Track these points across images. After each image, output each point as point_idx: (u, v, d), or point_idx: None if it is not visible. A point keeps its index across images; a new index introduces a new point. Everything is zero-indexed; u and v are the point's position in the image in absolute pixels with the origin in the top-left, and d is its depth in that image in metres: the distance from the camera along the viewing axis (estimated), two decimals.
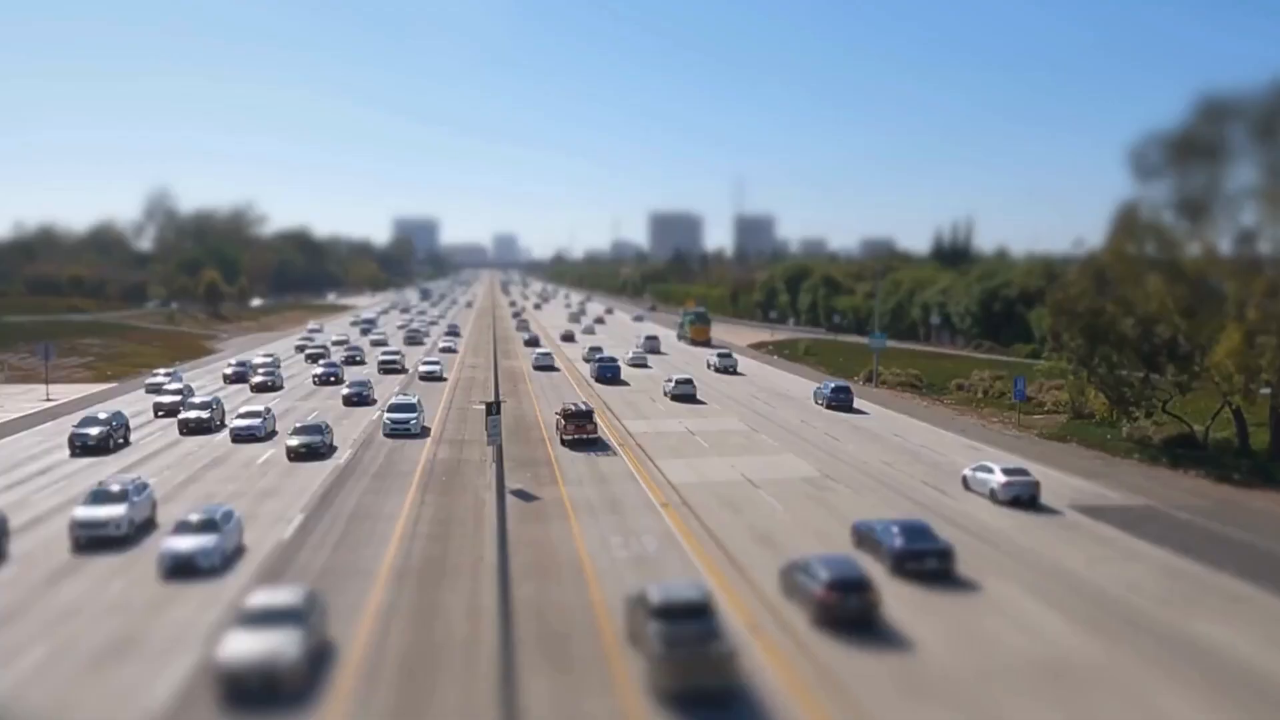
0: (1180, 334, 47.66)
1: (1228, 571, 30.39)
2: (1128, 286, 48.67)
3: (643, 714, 20.56)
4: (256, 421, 52.50)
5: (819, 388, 69.81)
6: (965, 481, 41.63)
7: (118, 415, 52.67)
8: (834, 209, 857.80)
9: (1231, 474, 44.42)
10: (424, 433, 54.29)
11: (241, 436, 51.51)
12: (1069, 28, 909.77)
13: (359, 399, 66.47)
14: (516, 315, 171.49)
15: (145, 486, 35.68)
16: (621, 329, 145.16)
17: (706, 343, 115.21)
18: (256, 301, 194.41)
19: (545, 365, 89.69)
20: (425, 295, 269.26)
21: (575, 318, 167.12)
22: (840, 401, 65.57)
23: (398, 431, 53.01)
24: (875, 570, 28.84)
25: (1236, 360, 44.09)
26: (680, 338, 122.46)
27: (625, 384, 79.37)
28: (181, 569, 29.05)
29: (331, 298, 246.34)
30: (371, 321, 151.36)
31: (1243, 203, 45.80)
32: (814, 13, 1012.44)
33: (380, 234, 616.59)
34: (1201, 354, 47.06)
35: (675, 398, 69.34)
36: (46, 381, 74.80)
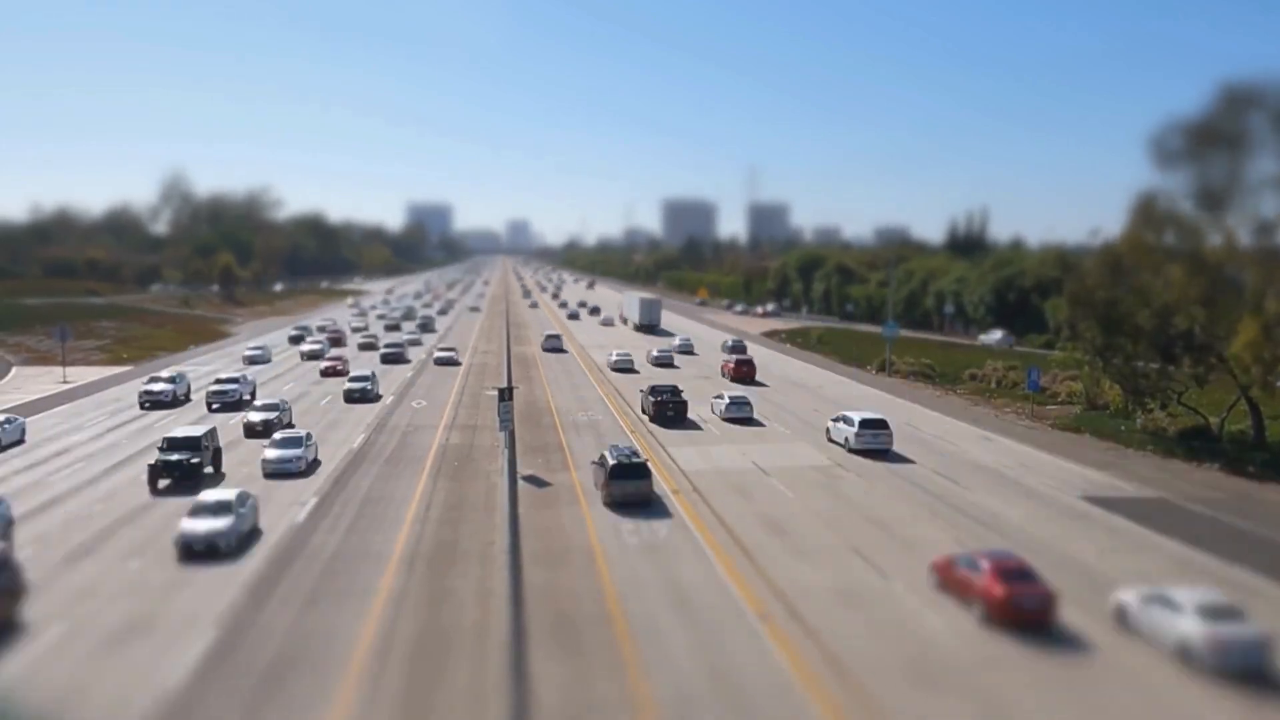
0: (1197, 325, 47.32)
1: (1240, 564, 30.26)
2: (1144, 277, 48.32)
3: (653, 704, 20.66)
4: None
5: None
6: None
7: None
8: (848, 197, 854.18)
9: (1246, 467, 44.13)
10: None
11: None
12: (1084, 20, 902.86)
13: None
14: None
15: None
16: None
17: None
18: (278, 286, 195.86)
19: None
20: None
21: None
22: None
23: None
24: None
25: (1254, 352, 43.77)
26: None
27: None
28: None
29: (325, 285, 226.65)
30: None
31: (1263, 193, 45.38)
32: (830, 1, 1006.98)
33: (394, 219, 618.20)
34: (1218, 346, 46.73)
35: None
36: (63, 364, 75.39)
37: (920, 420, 57.35)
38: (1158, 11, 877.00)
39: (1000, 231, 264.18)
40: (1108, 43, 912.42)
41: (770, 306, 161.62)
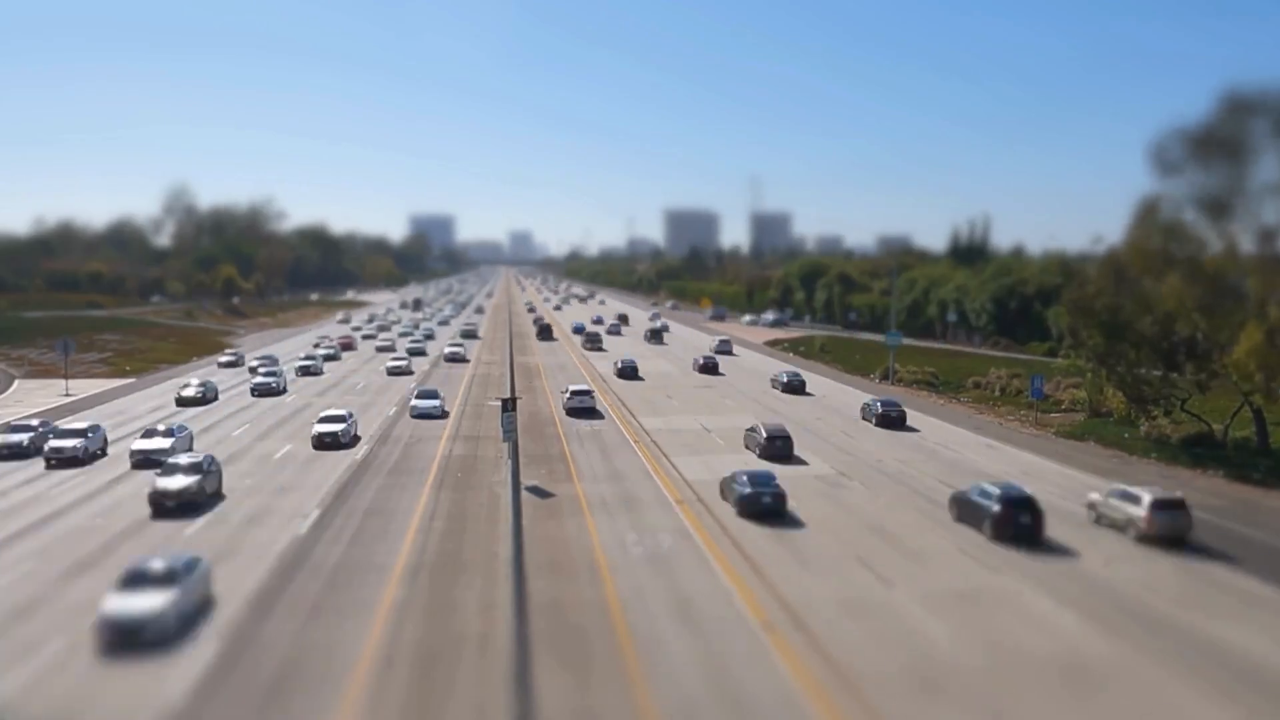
0: (1199, 332, 47.27)
1: (1245, 572, 30.16)
2: (1147, 284, 48.29)
3: (656, 715, 20.58)
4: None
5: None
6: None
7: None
8: (850, 206, 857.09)
9: (1250, 474, 44.02)
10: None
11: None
12: (1086, 29, 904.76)
13: None
14: None
15: None
16: None
17: None
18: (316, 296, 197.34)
19: None
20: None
21: None
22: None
23: None
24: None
25: (1257, 359, 43.68)
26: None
27: None
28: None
29: (315, 297, 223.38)
30: None
31: (1264, 200, 45.38)
32: (830, 9, 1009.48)
33: (397, 231, 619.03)
34: (1221, 352, 46.67)
35: None
36: (66, 377, 75.38)
37: (923, 428, 57.27)
38: (1159, 19, 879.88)
39: (1002, 239, 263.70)
40: (1110, 51, 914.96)
41: (770, 315, 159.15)
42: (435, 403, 60.39)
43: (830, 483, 42.36)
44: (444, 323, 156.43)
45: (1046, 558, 31.55)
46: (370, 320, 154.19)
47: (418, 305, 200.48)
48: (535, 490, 39.98)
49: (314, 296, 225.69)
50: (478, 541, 32.85)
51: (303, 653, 23.40)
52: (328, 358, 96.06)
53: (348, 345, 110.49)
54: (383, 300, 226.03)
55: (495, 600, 26.76)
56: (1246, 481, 43.19)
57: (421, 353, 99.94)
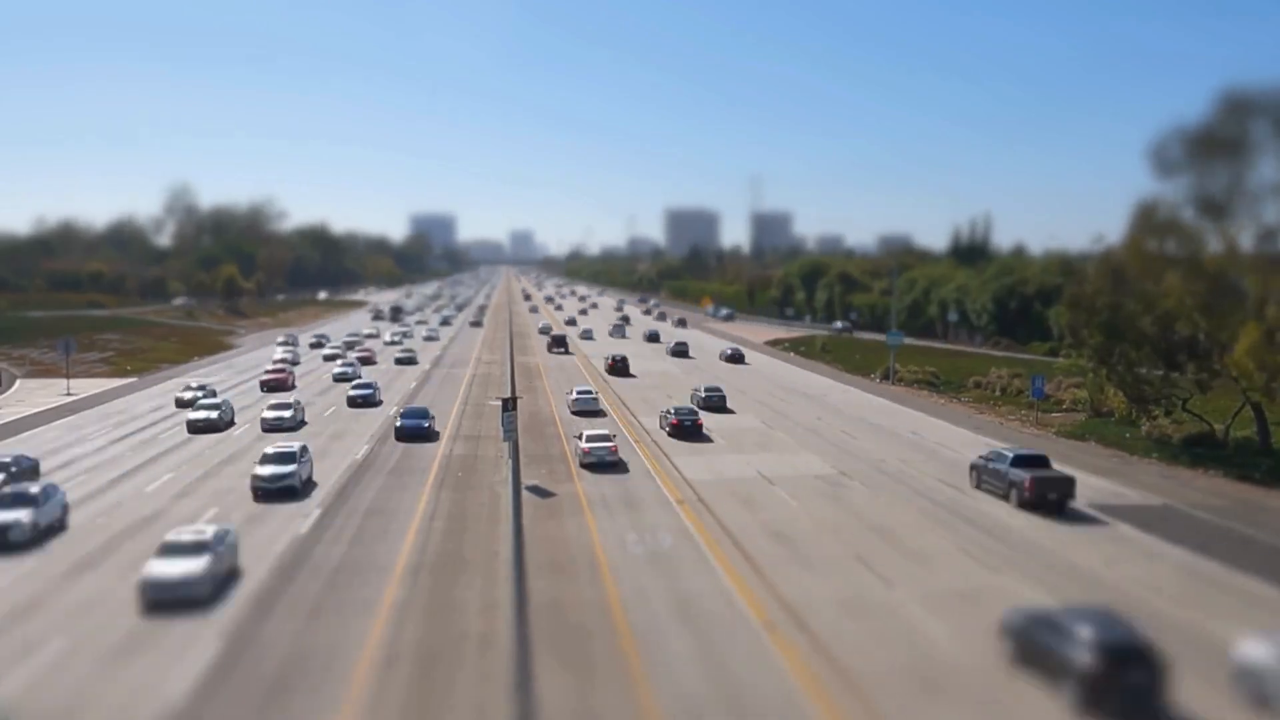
0: (1200, 331, 47.23)
1: (1247, 572, 30.14)
2: (1146, 283, 48.26)
3: (658, 715, 20.58)
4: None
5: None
6: None
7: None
8: (850, 206, 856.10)
9: (1252, 473, 43.96)
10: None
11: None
12: (1088, 29, 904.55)
13: None
14: None
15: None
16: None
17: None
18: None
19: None
20: None
21: None
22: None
23: None
24: None
25: (1257, 358, 43.64)
26: None
27: None
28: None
29: (280, 298, 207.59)
30: None
31: (1264, 199, 45.34)
32: (830, 9, 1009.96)
33: (398, 231, 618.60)
34: (1221, 352, 46.63)
35: None
36: (67, 376, 75.46)
37: (924, 428, 57.26)
38: (1159, 19, 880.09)
39: (1003, 239, 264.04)
40: (1110, 51, 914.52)
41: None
42: None
43: (831, 482, 42.37)
44: (407, 359, 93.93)
45: (1047, 556, 31.57)
46: (318, 342, 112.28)
47: (396, 314, 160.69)
48: (536, 490, 40.00)
49: (280, 297, 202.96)
50: (478, 541, 32.87)
51: (303, 652, 23.42)
52: (200, 427, 54.52)
53: (277, 384, 73.06)
54: (387, 300, 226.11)
55: (496, 600, 26.77)
56: (1248, 481, 43.13)
57: (288, 487, 39.35)
